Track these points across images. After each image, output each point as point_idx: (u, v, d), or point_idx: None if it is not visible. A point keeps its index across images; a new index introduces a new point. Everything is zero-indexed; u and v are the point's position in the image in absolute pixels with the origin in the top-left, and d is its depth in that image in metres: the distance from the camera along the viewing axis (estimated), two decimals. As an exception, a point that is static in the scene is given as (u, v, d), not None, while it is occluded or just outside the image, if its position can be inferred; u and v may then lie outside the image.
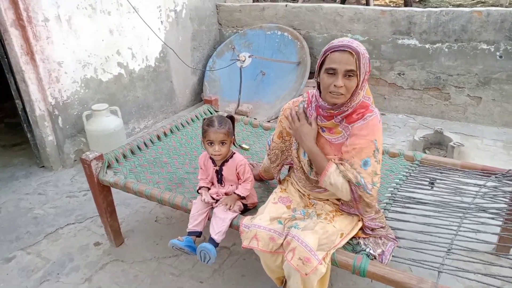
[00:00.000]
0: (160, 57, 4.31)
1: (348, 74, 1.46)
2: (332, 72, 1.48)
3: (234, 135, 1.93)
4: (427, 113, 4.34)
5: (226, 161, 1.91)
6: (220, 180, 1.96)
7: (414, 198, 2.04)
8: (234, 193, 1.91)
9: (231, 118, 1.93)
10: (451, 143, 3.38)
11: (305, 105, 1.72)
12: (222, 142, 1.84)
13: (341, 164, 1.58)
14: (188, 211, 1.96)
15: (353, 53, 1.44)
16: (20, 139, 3.89)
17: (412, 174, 2.25)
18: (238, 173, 1.92)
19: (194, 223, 1.92)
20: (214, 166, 1.94)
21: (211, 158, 1.94)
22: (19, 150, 3.83)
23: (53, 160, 3.42)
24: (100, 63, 3.61)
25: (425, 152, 3.58)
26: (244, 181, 1.92)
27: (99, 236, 2.59)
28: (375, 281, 1.56)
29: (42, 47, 3.10)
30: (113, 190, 2.33)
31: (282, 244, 1.61)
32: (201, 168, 2.00)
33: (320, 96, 1.60)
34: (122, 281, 2.22)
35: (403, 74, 4.29)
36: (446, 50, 4.00)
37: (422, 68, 4.17)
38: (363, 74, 1.49)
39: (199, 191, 1.96)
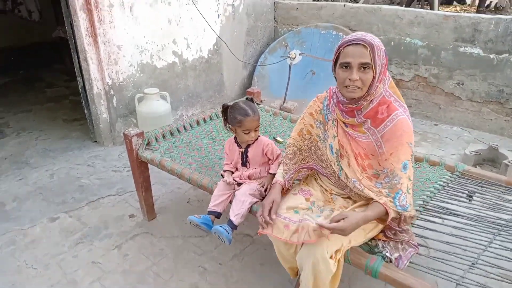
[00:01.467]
0: (214, 49, 4.44)
1: (363, 66, 1.44)
2: (347, 66, 1.46)
3: None
4: (484, 127, 4.04)
5: (252, 143, 1.95)
6: (244, 163, 2.00)
7: (448, 208, 1.92)
8: (269, 173, 1.95)
9: (252, 100, 1.98)
10: (506, 161, 3.12)
11: (327, 101, 1.71)
12: (256, 130, 1.90)
13: (387, 200, 1.52)
14: (212, 192, 2.03)
15: (367, 45, 1.42)
16: (80, 115, 4.22)
17: (450, 185, 2.13)
18: (266, 153, 1.96)
19: (214, 203, 1.96)
20: (240, 148, 1.99)
21: (236, 142, 1.99)
22: (77, 125, 4.17)
23: (105, 136, 3.67)
24: (156, 50, 3.81)
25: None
26: (276, 159, 1.96)
27: (135, 209, 2.75)
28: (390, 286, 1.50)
29: (105, 30, 3.34)
30: (153, 169, 2.47)
31: (297, 230, 1.58)
32: (226, 154, 2.06)
33: (340, 91, 1.59)
34: (148, 252, 2.35)
35: (462, 84, 4.03)
36: (513, 61, 3.70)
37: (483, 79, 3.90)
38: (379, 66, 1.46)
39: (222, 173, 2.01)
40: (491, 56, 3.80)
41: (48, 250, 2.35)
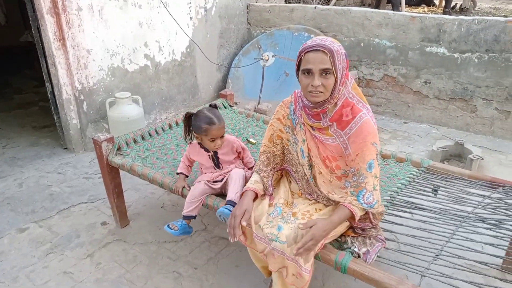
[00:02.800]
0: (187, 52, 4.43)
1: (324, 72, 1.47)
2: (308, 72, 1.49)
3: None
4: (451, 124, 4.19)
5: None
6: (217, 165, 2.01)
7: (414, 203, 1.99)
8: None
9: (215, 107, 2.00)
10: (471, 156, 3.25)
11: (294, 105, 1.73)
12: (222, 136, 1.92)
13: (351, 199, 1.58)
14: (185, 196, 2.02)
15: (327, 51, 1.45)
16: (50, 121, 4.12)
17: (416, 180, 2.20)
18: (236, 150, 2.01)
19: (189, 209, 1.97)
20: (208, 152, 1.99)
21: (202, 147, 2.00)
22: (47, 132, 4.06)
23: (76, 142, 3.60)
24: (127, 54, 3.77)
25: (443, 163, 3.47)
26: (244, 154, 2.08)
27: (107, 217, 2.71)
28: (364, 282, 1.54)
29: (74, 34, 3.28)
30: (125, 175, 2.44)
31: (263, 251, 1.63)
32: (187, 159, 2.09)
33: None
34: (122, 259, 2.31)
35: (429, 82, 4.17)
36: (476, 60, 3.85)
37: (449, 78, 4.04)
38: (340, 70, 1.49)
39: (182, 176, 2.09)
40: (455, 55, 3.95)
41: (16, 262, 2.28)
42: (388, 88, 4.43)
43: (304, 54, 1.50)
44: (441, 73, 4.07)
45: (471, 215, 1.85)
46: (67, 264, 2.28)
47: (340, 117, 1.59)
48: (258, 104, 4.46)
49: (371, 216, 1.65)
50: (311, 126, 1.68)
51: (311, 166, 1.73)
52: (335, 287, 2.11)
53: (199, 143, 2.01)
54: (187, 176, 2.11)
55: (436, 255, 1.57)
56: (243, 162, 2.12)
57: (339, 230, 1.68)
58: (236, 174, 1.90)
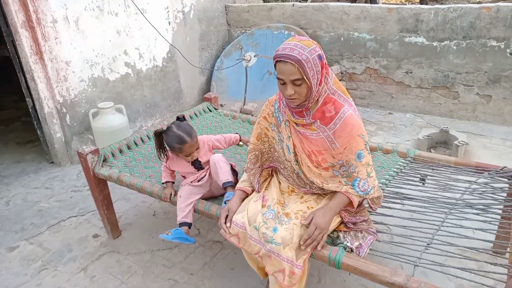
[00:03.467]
0: (168, 57, 4.40)
1: (295, 82, 1.48)
2: (282, 82, 1.51)
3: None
4: (435, 112, 4.26)
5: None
6: (199, 168, 2.04)
7: (402, 193, 2.02)
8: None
9: (184, 119, 1.99)
10: (456, 142, 3.30)
11: (278, 103, 1.75)
12: (196, 149, 1.96)
13: (347, 188, 1.64)
14: (174, 203, 2.01)
15: (294, 63, 1.44)
16: (33, 136, 4.04)
17: (403, 171, 2.23)
18: (213, 148, 2.09)
19: (182, 215, 1.97)
20: (188, 160, 2.01)
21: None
22: (32, 147, 4.00)
23: (61, 156, 3.55)
24: (107, 63, 3.73)
25: (430, 151, 3.52)
26: (221, 143, 2.14)
27: (98, 229, 2.67)
28: (360, 277, 1.55)
29: (51, 47, 3.23)
30: (114, 185, 2.41)
31: (258, 252, 1.64)
32: (167, 168, 2.08)
33: None
34: (116, 271, 2.29)
35: (411, 72, 4.23)
36: (454, 47, 3.92)
37: (430, 66, 4.10)
38: (313, 76, 1.49)
39: (165, 184, 2.09)
40: (434, 44, 4.00)
41: (8, 282, 2.24)
42: (371, 80, 4.47)
43: (275, 62, 1.51)
44: (421, 62, 4.13)
45: (459, 202, 1.88)
46: (60, 279, 2.25)
47: (322, 114, 1.61)
48: (244, 104, 4.46)
49: (369, 202, 1.70)
50: (295, 123, 1.69)
51: (297, 161, 1.75)
52: (331, 283, 2.12)
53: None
54: (173, 183, 2.11)
55: (428, 244, 1.60)
56: (226, 147, 2.19)
57: (331, 226, 1.69)
58: (216, 160, 1.94)
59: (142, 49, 4.06)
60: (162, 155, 2.01)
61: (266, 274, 1.93)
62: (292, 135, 1.72)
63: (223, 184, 1.91)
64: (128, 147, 2.52)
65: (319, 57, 1.50)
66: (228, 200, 1.82)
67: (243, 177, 1.88)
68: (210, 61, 5.12)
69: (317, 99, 1.59)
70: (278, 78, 1.53)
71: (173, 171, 2.11)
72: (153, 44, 4.18)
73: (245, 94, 4.53)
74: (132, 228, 2.67)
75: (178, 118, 1.98)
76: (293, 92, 1.50)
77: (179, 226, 1.98)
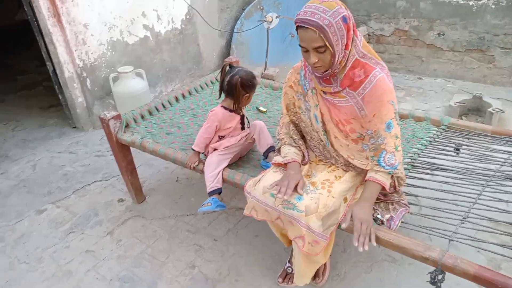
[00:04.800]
0: (186, 19, 4.25)
1: (318, 50, 1.37)
2: (304, 49, 1.41)
3: None
4: (468, 77, 4.03)
5: None
6: (243, 126, 2.03)
7: (436, 164, 1.92)
8: None
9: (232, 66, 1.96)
10: (490, 109, 3.13)
11: (304, 70, 1.64)
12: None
13: (372, 165, 1.56)
14: (199, 171, 1.98)
15: (315, 29, 1.32)
16: (56, 101, 4.03)
17: (436, 140, 2.12)
18: None
19: (213, 182, 1.91)
20: (239, 114, 1.98)
21: (230, 110, 1.95)
22: (54, 112, 4.02)
23: (84, 121, 3.55)
24: (125, 25, 3.62)
25: (461, 119, 3.36)
26: None
27: (123, 193, 2.70)
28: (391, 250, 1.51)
29: (68, 9, 3.14)
30: (137, 151, 2.39)
31: (279, 217, 1.59)
32: (212, 128, 1.95)
33: None
34: (141, 235, 2.32)
35: (443, 34, 3.97)
36: (493, 6, 3.63)
37: (464, 28, 3.84)
38: (338, 41, 1.37)
39: (196, 152, 2.00)
40: (470, 3, 3.72)
41: (39, 244, 2.30)
42: (400, 42, 4.24)
43: (297, 28, 1.40)
44: (455, 23, 3.87)
45: (497, 174, 1.78)
46: (88, 242, 2.29)
47: (351, 80, 1.50)
48: (265, 69, 4.33)
49: (395, 182, 1.58)
50: (322, 91, 1.59)
51: (325, 131, 1.67)
52: (357, 252, 2.09)
53: (223, 108, 1.95)
54: (200, 153, 2.04)
55: (464, 218, 1.52)
56: None
57: (357, 196, 1.63)
58: (262, 125, 2.00)
59: (160, 10, 3.92)
60: (224, 93, 1.96)
61: (290, 242, 1.92)
62: (320, 103, 1.63)
63: (268, 148, 1.93)
64: (150, 113, 2.48)
65: (344, 19, 1.36)
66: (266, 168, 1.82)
67: (290, 149, 1.74)
68: (230, 23, 4.93)
69: (345, 64, 1.48)
70: (300, 46, 1.42)
71: (213, 135, 1.98)
72: (171, 5, 4.03)
73: (266, 58, 4.38)
74: (156, 194, 2.69)
75: (230, 66, 1.94)
76: (316, 60, 1.40)
77: (211, 195, 1.93)
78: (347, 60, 1.46)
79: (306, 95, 1.67)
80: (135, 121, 2.38)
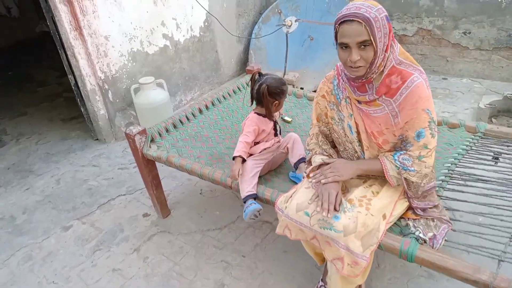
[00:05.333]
0: (205, 26, 4.23)
1: (363, 44, 1.32)
2: (345, 46, 1.35)
3: None
4: (495, 76, 3.88)
5: None
6: (277, 132, 2.04)
7: (475, 174, 1.82)
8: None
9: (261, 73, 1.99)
10: (524, 111, 2.99)
11: (337, 80, 1.58)
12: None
13: (387, 154, 1.52)
14: (227, 186, 1.93)
15: (362, 21, 1.28)
16: (77, 112, 4.08)
17: (473, 148, 2.02)
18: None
19: (249, 187, 1.83)
20: (272, 120, 1.99)
21: (264, 116, 1.96)
22: (76, 124, 4.04)
23: (106, 133, 3.56)
24: (145, 36, 3.62)
25: (491, 122, 3.23)
26: None
27: (147, 208, 2.68)
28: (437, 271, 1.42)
29: (89, 22, 3.15)
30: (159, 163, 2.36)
31: (315, 237, 1.53)
32: (251, 133, 1.91)
33: None
34: (168, 252, 2.29)
35: (469, 33, 3.83)
36: (523, 2, 3.48)
37: (492, 25, 3.69)
38: (381, 38, 1.32)
39: (238, 159, 1.88)
40: (499, -1, 3.58)
41: (66, 262, 2.29)
42: (424, 42, 4.11)
43: (339, 25, 1.35)
44: (482, 21, 3.72)
45: (544, 185, 1.67)
46: (115, 260, 2.27)
47: (388, 87, 1.43)
48: (284, 74, 4.26)
49: (404, 183, 1.50)
50: (357, 100, 1.53)
51: (360, 141, 1.60)
52: (391, 268, 2.01)
53: (258, 114, 1.96)
54: (244, 160, 1.91)
55: (512, 236, 1.43)
56: None
57: (397, 212, 1.56)
58: (296, 137, 2.00)
59: (179, 19, 3.91)
60: (255, 101, 1.97)
61: (323, 260, 1.86)
62: (354, 113, 1.57)
63: (299, 159, 1.91)
64: (174, 126, 2.45)
65: (387, 18, 1.34)
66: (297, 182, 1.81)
67: (321, 157, 1.70)
68: (248, 28, 4.90)
69: (382, 70, 1.41)
70: (340, 44, 1.37)
71: (254, 140, 1.96)
72: (189, 13, 4.01)
73: (286, 63, 4.31)
74: (181, 207, 2.65)
75: (259, 74, 1.97)
76: (358, 58, 1.34)
77: (247, 199, 1.84)
78: (384, 65, 1.40)
79: (340, 105, 1.60)
80: (160, 135, 2.35)
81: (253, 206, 1.78)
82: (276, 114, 2.04)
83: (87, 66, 3.26)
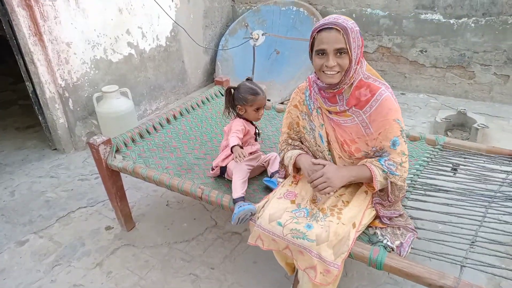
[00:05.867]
0: (171, 36, 4.19)
1: (339, 52, 1.40)
2: (322, 52, 1.43)
3: None
4: (449, 92, 4.13)
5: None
6: (256, 138, 2.11)
7: (436, 185, 1.92)
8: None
9: (251, 80, 2.09)
10: (475, 125, 3.20)
11: (309, 91, 1.64)
12: (264, 107, 2.04)
13: (372, 160, 1.56)
14: (197, 197, 1.90)
15: (340, 29, 1.37)
16: (33, 121, 3.88)
17: (433, 160, 2.13)
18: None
19: (241, 190, 1.80)
20: (253, 125, 2.07)
21: (248, 120, 2.04)
22: (32, 133, 3.83)
23: (65, 142, 3.40)
24: (109, 43, 3.53)
25: (447, 135, 3.42)
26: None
27: (110, 220, 2.57)
28: (404, 278, 1.47)
29: (50, 28, 3.03)
30: (124, 173, 2.29)
31: (287, 247, 1.53)
32: (239, 131, 1.96)
33: (318, 78, 1.54)
34: (133, 266, 2.20)
35: (426, 51, 4.07)
36: (473, 25, 3.75)
37: (445, 45, 3.94)
38: (355, 49, 1.41)
39: (236, 148, 1.86)
40: (451, 21, 3.83)
41: (21, 279, 2.14)
42: (383, 59, 4.31)
43: (317, 33, 1.42)
44: (437, 40, 3.97)
45: (498, 194, 1.79)
46: (76, 276, 2.15)
47: (357, 99, 1.51)
48: (251, 85, 4.29)
49: (389, 187, 1.55)
50: (328, 110, 1.58)
51: (330, 151, 1.66)
52: (359, 276, 2.05)
53: (240, 116, 2.04)
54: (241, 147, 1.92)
55: (472, 242, 1.51)
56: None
57: (366, 221, 1.61)
58: (275, 155, 2.06)
59: (145, 28, 3.85)
60: (230, 112, 2.07)
61: (293, 270, 1.87)
62: (325, 123, 1.62)
63: (276, 171, 1.96)
64: (141, 136, 2.39)
65: (360, 33, 1.43)
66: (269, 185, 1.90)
67: (291, 151, 1.76)
68: (214, 39, 4.91)
69: (352, 82, 1.48)
70: (316, 51, 1.44)
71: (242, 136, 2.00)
72: (156, 22, 3.96)
73: (253, 75, 4.35)
74: (146, 219, 2.57)
75: (247, 79, 2.08)
76: (335, 64, 1.41)
77: (235, 202, 1.78)
78: (354, 77, 1.47)
79: (311, 115, 1.66)
80: (125, 145, 2.28)
81: (249, 206, 1.68)
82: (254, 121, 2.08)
83: (46, 73, 3.11)
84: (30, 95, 3.26)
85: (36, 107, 3.31)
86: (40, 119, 3.37)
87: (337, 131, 1.60)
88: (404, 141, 1.52)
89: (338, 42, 1.38)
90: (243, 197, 1.81)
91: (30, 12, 2.91)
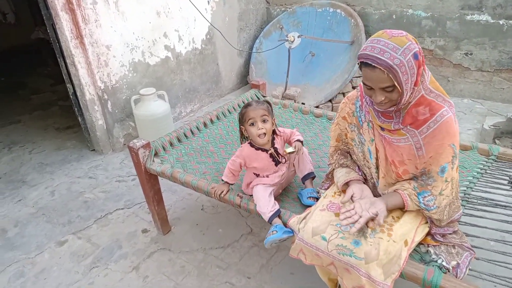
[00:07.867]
0: (207, 39, 4.19)
1: (386, 89, 1.27)
2: (368, 87, 1.31)
3: (273, 116, 1.81)
4: (497, 97, 3.90)
5: (273, 139, 1.82)
6: (277, 162, 1.81)
7: (492, 199, 1.78)
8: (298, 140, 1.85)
9: (267, 102, 1.83)
10: (528, 133, 2.99)
11: (360, 101, 1.52)
12: (264, 120, 1.73)
13: (411, 192, 1.46)
14: (235, 205, 1.85)
15: (384, 70, 1.22)
16: (72, 122, 3.98)
17: (487, 171, 1.98)
18: (290, 139, 1.89)
19: (270, 208, 1.72)
20: (267, 152, 1.79)
21: (257, 148, 1.79)
22: (72, 133, 3.93)
23: (103, 144, 3.45)
24: (147, 46, 3.56)
25: (495, 142, 3.22)
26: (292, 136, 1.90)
27: (147, 223, 2.57)
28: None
29: (91, 31, 3.08)
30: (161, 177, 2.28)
31: (332, 263, 1.45)
32: (238, 164, 1.82)
33: None
34: (169, 271, 2.18)
35: (471, 54, 3.86)
36: (524, 26, 3.52)
37: (493, 47, 3.72)
38: (407, 82, 1.26)
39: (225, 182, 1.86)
40: (501, 22, 3.61)
41: (61, 279, 2.17)
42: (425, 62, 4.11)
43: (360, 64, 1.29)
44: (484, 42, 3.75)
45: None
46: (113, 279, 2.16)
47: (414, 118, 1.36)
48: (286, 89, 4.23)
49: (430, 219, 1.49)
50: (380, 127, 1.46)
51: (377, 168, 1.55)
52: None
53: (251, 144, 1.81)
54: (231, 185, 1.90)
55: (540, 266, 1.38)
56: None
57: (418, 238, 1.50)
58: (303, 149, 1.86)
59: (181, 31, 3.86)
60: (243, 139, 1.88)
61: (336, 286, 1.78)
62: (376, 139, 1.51)
63: (307, 174, 1.83)
64: (179, 140, 2.37)
65: (415, 56, 1.24)
66: (312, 197, 1.74)
67: (341, 171, 1.66)
68: (249, 42, 4.87)
69: (409, 101, 1.35)
70: (363, 83, 1.33)
71: (240, 170, 1.87)
72: (192, 25, 3.97)
73: (287, 78, 4.28)
74: (182, 223, 2.55)
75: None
76: (383, 98, 1.30)
77: (271, 222, 1.71)
78: (413, 98, 1.34)
79: (361, 128, 1.54)
80: (164, 149, 2.26)
81: (273, 236, 1.63)
82: (279, 147, 1.83)
83: (86, 76, 3.17)
84: (71, 96, 3.33)
85: (76, 109, 3.38)
86: (80, 120, 3.44)
87: (387, 150, 1.48)
88: (452, 167, 1.38)
89: (383, 82, 1.25)
90: (277, 211, 1.71)
91: (73, 16, 2.96)
